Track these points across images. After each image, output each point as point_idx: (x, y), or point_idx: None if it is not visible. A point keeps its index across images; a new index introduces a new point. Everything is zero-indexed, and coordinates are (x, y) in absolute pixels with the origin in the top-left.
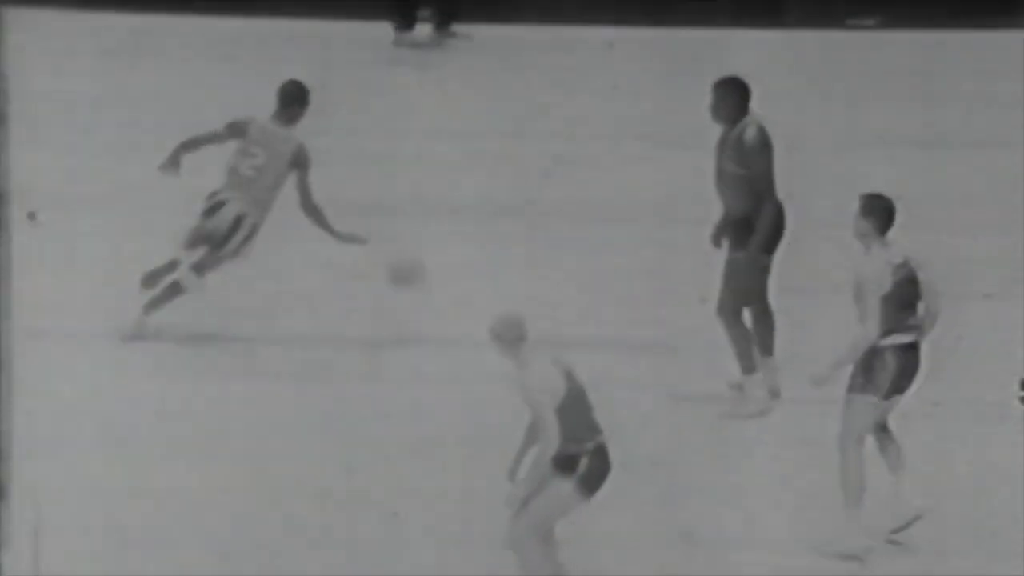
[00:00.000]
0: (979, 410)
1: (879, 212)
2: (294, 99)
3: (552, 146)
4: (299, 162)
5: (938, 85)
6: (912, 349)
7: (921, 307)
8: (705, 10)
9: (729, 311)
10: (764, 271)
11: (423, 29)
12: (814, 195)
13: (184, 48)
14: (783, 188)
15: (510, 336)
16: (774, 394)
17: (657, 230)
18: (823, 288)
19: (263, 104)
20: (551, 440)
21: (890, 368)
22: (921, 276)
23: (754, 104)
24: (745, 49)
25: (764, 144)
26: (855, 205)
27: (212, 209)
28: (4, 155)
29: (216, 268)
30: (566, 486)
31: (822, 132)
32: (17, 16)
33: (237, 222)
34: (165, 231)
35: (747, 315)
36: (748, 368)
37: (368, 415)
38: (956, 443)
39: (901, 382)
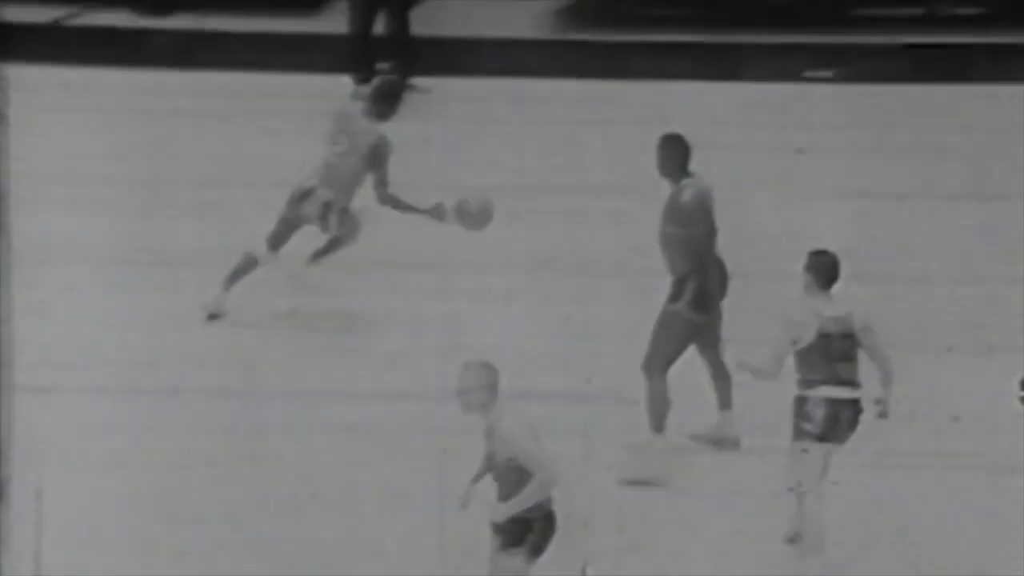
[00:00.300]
0: (957, 462)
1: (819, 267)
2: (384, 98)
3: (509, 199)
4: (377, 154)
5: (895, 138)
6: (849, 404)
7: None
8: (663, 63)
9: (655, 366)
10: (711, 328)
11: None
12: (769, 247)
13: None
14: (741, 241)
15: (480, 386)
16: (734, 445)
17: (615, 282)
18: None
19: (231, 160)
20: (548, 474)
21: (817, 419)
22: (863, 336)
23: (716, 156)
24: (704, 102)
25: (701, 205)
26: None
27: (302, 196)
28: (4, 156)
29: (332, 254)
30: (517, 557)
31: (778, 184)
32: (19, 73)
33: (326, 208)
34: (170, 285)
35: (704, 369)
36: (658, 427)
37: (340, 464)
38: (918, 495)
39: (832, 433)
